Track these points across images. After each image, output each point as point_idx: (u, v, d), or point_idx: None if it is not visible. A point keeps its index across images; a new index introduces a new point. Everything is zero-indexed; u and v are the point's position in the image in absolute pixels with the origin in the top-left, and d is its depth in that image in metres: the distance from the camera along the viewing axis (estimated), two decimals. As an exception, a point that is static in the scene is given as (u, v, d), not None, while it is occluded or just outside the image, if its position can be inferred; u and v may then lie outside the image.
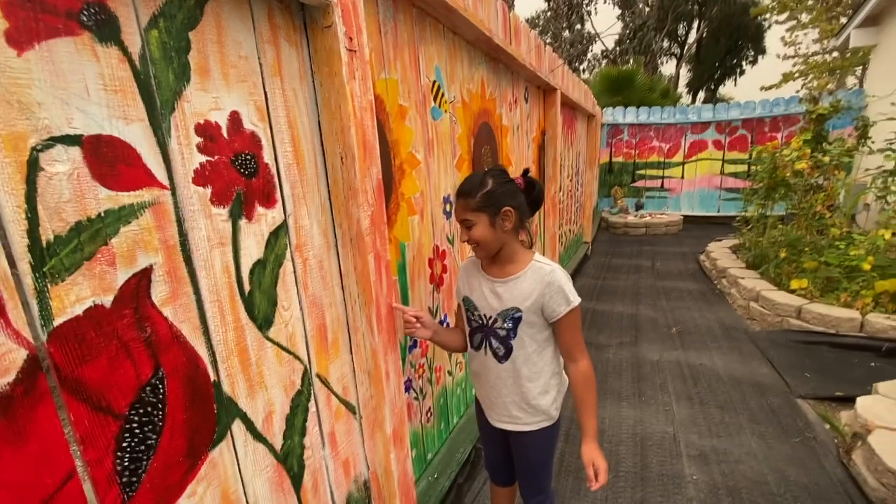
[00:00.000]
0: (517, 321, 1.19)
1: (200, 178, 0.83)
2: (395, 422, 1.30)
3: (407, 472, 1.39)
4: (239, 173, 0.90)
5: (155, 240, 0.76)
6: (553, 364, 1.25)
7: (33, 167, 0.60)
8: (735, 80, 21.65)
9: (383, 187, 1.27)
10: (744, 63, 21.04)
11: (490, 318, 1.23)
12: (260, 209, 0.95)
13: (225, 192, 0.87)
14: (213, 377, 0.87)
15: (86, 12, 0.65)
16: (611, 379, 2.91)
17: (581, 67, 22.79)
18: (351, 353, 1.25)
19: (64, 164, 0.63)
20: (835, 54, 10.20)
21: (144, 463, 0.76)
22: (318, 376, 1.14)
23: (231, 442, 0.91)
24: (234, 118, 0.89)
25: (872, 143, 4.40)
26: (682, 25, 21.20)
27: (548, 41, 16.20)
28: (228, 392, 0.90)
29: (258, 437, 0.97)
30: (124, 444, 0.73)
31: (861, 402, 2.19)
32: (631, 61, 17.98)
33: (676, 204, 8.60)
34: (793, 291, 3.75)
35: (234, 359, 0.91)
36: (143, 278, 0.74)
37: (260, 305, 0.96)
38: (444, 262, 1.82)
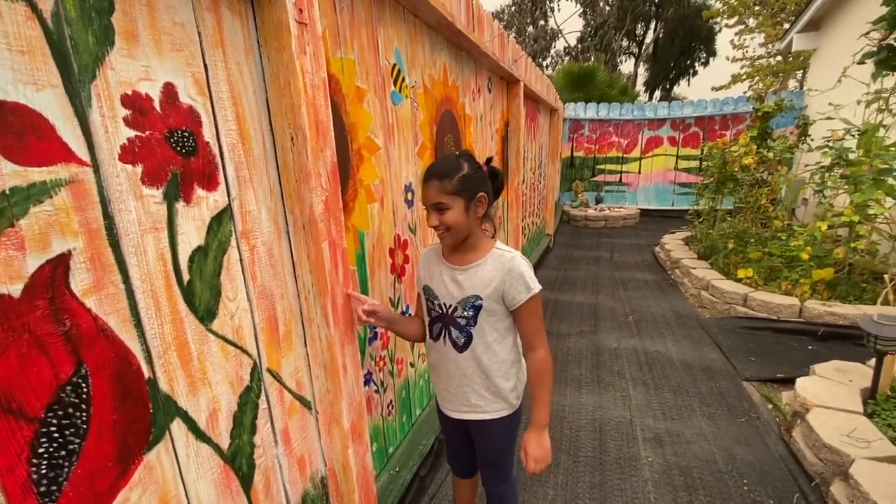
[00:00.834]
0: (477, 309, 1.17)
1: (129, 154, 0.75)
2: (354, 416, 1.26)
3: (366, 467, 1.35)
4: (175, 151, 0.82)
5: (74, 222, 0.68)
6: (513, 353, 1.24)
7: (-87, 133, 0.52)
8: (689, 80, 22.61)
9: (339, 172, 1.21)
10: (696, 64, 22.01)
11: (450, 306, 1.20)
12: (200, 191, 0.88)
13: (158, 172, 0.80)
14: (147, 374, 0.79)
15: (-20, -43, 0.57)
16: (571, 367, 2.97)
17: (545, 63, 23.13)
18: (305, 345, 1.19)
19: (-46, 132, 0.55)
20: (779, 58, 10.84)
21: (66, 470, 0.68)
22: (270, 371, 1.08)
23: (170, 443, 0.84)
24: (169, 90, 0.81)
25: (811, 140, 4.69)
26: (640, 25, 21.89)
27: (512, 35, 16.28)
28: (166, 390, 0.83)
29: (201, 436, 0.91)
30: (41, 451, 0.65)
31: (800, 382, 2.33)
32: (592, 59, 18.38)
33: (634, 198, 8.89)
34: (739, 280, 3.95)
35: (173, 353, 0.84)
36: (59, 265, 0.66)
37: (201, 296, 0.89)
38: (405, 251, 1.77)
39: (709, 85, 12.67)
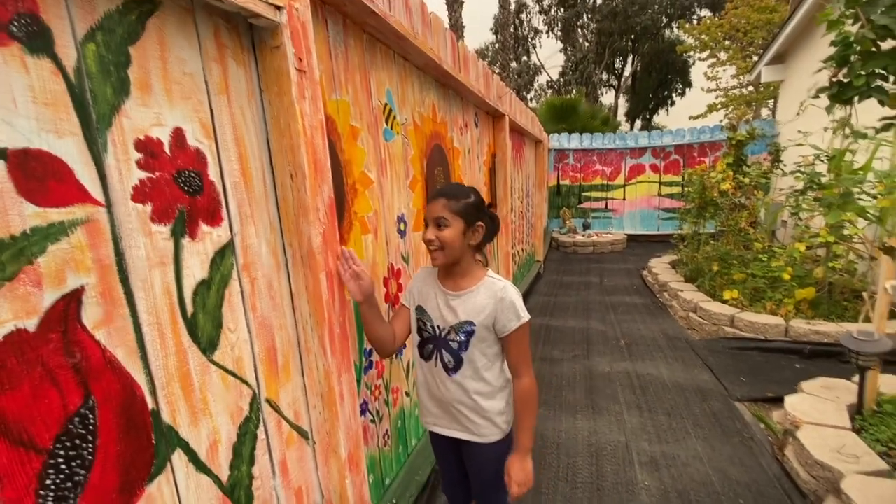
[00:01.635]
0: (470, 335, 1.21)
1: (140, 194, 0.80)
2: (351, 446, 1.27)
3: (363, 498, 1.34)
4: (182, 190, 0.88)
5: (88, 259, 0.72)
6: (501, 379, 1.28)
7: (-51, 181, 0.56)
8: (667, 109, 23.55)
9: (336, 206, 1.27)
10: (674, 95, 22.98)
11: (443, 329, 1.24)
12: (205, 227, 0.93)
13: (166, 210, 0.84)
14: (151, 405, 0.82)
15: (16, 23, 0.63)
16: (565, 392, 2.97)
17: (529, 96, 23.96)
18: (303, 375, 1.21)
19: (-15, 178, 0.59)
20: (750, 88, 11.39)
21: (72, 501, 0.70)
22: (268, 401, 1.10)
23: (171, 474, 0.85)
24: (178, 134, 0.87)
25: (784, 166, 4.91)
26: (618, 60, 22.93)
27: (496, 71, 16.92)
28: (168, 420, 0.85)
29: (202, 468, 0.92)
30: (48, 482, 0.67)
31: (789, 400, 2.37)
32: (574, 91, 19.12)
33: (620, 223, 9.08)
34: (726, 302, 4.04)
35: (176, 384, 0.86)
36: (72, 300, 0.70)
37: (204, 328, 0.92)
38: (398, 280, 1.82)
39: (686, 114, 13.24)
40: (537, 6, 22.72)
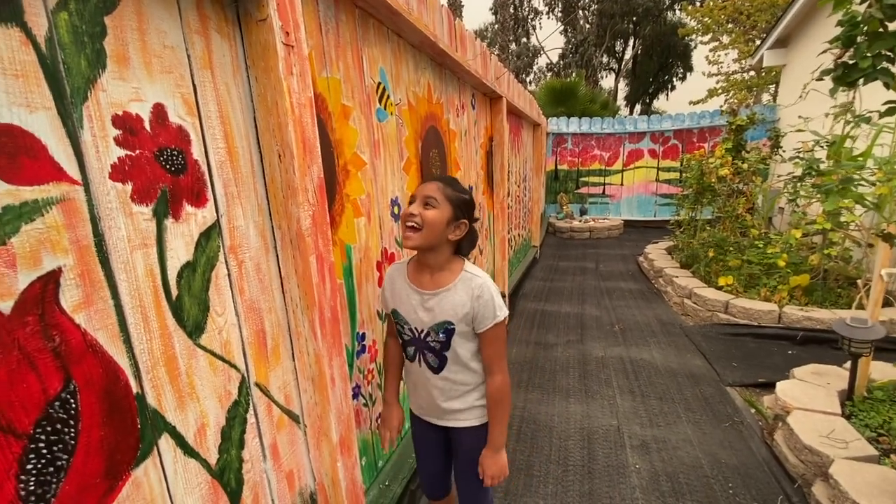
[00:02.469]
0: (450, 333, 1.20)
1: (119, 173, 0.77)
2: (342, 429, 1.26)
3: (355, 481, 1.35)
4: (164, 169, 0.85)
5: (64, 239, 0.69)
6: None
7: None
8: (667, 94, 23.33)
9: (326, 187, 1.24)
10: (674, 79, 22.73)
11: (422, 331, 1.22)
12: (189, 208, 0.90)
13: (148, 190, 0.82)
14: (135, 389, 0.80)
15: (-22, -13, 0.59)
16: (559, 376, 2.99)
17: (528, 79, 23.65)
18: (293, 359, 1.20)
19: (-51, 153, 0.56)
20: (752, 73, 11.26)
21: (54, 486, 0.69)
22: (258, 385, 1.09)
23: (158, 459, 0.84)
24: (159, 111, 0.83)
25: (783, 151, 4.88)
26: (619, 43, 22.59)
27: (496, 52, 16.66)
28: (154, 405, 0.83)
29: (190, 452, 0.91)
30: (29, 467, 0.65)
31: (780, 386, 2.39)
32: (574, 74, 18.87)
33: (617, 209, 9.06)
34: (720, 288, 4.05)
35: (161, 368, 0.85)
36: (49, 281, 0.68)
37: (189, 311, 0.90)
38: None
39: (687, 99, 13.10)
40: (538, -14, 22.26)
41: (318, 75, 1.30)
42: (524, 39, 23.24)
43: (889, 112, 1.95)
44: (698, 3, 17.18)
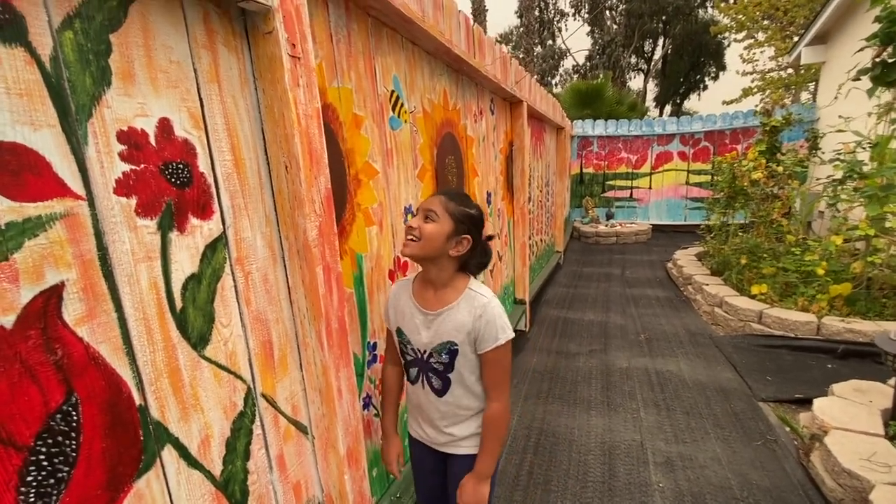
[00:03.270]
0: (453, 354, 1.15)
1: (123, 187, 0.78)
2: (350, 441, 1.25)
3: (363, 494, 1.33)
4: (169, 183, 0.85)
5: (68, 254, 0.70)
6: None
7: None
8: (699, 94, 22.64)
9: (336, 197, 1.23)
10: (706, 79, 22.05)
11: (425, 352, 1.18)
12: (194, 221, 0.90)
13: (152, 203, 0.82)
14: (138, 401, 0.81)
15: (-17, 10, 0.61)
16: (581, 387, 2.91)
17: (553, 81, 23.41)
18: (301, 370, 1.20)
19: (-49, 173, 0.58)
20: (790, 70, 10.79)
21: (55, 498, 0.69)
22: (264, 396, 1.09)
23: (161, 470, 0.85)
24: (164, 125, 0.84)
25: (822, 153, 4.63)
26: (647, 42, 22.09)
27: (520, 56, 16.58)
28: (157, 416, 0.84)
29: (193, 463, 0.91)
30: (29, 479, 0.66)
31: (817, 403, 2.25)
32: (601, 76, 18.59)
33: (645, 213, 8.82)
34: (754, 297, 3.86)
35: (164, 380, 0.85)
36: (52, 296, 0.69)
37: (194, 322, 0.90)
38: (405, 273, 1.78)
39: (719, 99, 12.66)
40: (564, -12, 22.03)
41: (329, 85, 1.31)
42: (550, 42, 23.03)
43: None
44: (732, 0, 16.63)
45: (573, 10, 22.24)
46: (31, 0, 0.66)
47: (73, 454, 0.72)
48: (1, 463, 0.63)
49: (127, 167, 0.78)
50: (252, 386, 1.05)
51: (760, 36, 11.78)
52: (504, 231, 3.48)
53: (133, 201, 0.79)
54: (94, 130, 0.74)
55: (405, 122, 1.77)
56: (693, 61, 21.04)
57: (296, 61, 1.02)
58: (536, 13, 17.17)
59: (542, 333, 3.86)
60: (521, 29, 21.38)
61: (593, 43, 22.27)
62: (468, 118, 2.53)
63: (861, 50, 1.95)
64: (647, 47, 22.39)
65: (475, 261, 1.19)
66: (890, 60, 1.70)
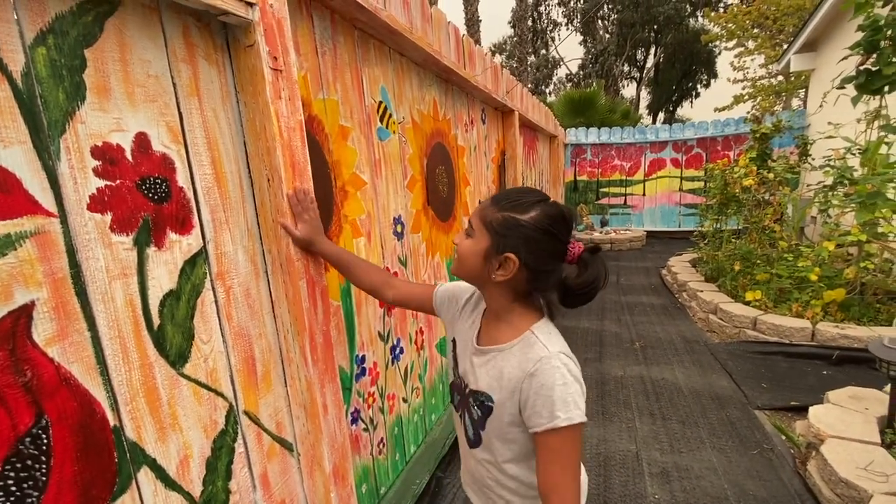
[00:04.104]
0: (486, 412, 0.84)
1: (98, 203, 0.76)
2: (336, 458, 1.23)
3: (351, 511, 1.30)
4: (146, 198, 0.84)
5: (38, 273, 0.69)
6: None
7: None
8: (691, 101, 22.88)
9: (322, 209, 1.22)
10: (699, 86, 22.30)
11: (466, 386, 0.91)
12: (173, 236, 0.89)
13: (128, 219, 0.81)
14: (113, 422, 0.79)
15: (-52, 27, 0.60)
16: (575, 397, 2.88)
17: (548, 90, 23.63)
18: (285, 385, 1.17)
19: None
20: (780, 78, 10.92)
21: (23, 525, 0.67)
22: (247, 413, 1.06)
23: (137, 492, 0.82)
24: (141, 140, 0.83)
25: (812, 159, 4.66)
26: (640, 51, 22.36)
27: (513, 65, 16.73)
28: (133, 437, 0.82)
29: (171, 485, 0.89)
30: (-5, 506, 0.64)
31: (813, 411, 2.23)
32: (594, 84, 18.77)
33: (639, 220, 8.84)
34: (748, 303, 3.86)
35: (141, 400, 0.83)
36: (21, 316, 0.67)
37: (172, 340, 0.89)
38: (395, 284, 1.77)
39: (712, 106, 12.78)
40: (556, -2, 22.34)
41: (314, 97, 1.30)
42: (543, 51, 23.28)
43: (924, 119, 1.83)
44: (722, 10, 16.85)
45: (566, 20, 22.53)
46: (3, 16, 0.65)
47: (44, 479, 0.69)
48: (-36, 490, 0.61)
49: (101, 183, 0.77)
50: (234, 403, 1.03)
51: (751, 44, 11.94)
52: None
53: (108, 217, 0.78)
54: (68, 146, 0.72)
55: (393, 132, 1.76)
56: (685, 69, 21.29)
57: (278, 74, 1.02)
58: (529, 23, 17.36)
59: (537, 342, 3.83)
60: (515, 38, 21.62)
61: (586, 52, 22.54)
62: (459, 128, 2.53)
63: (845, 58, 1.98)
64: (640, 56, 22.66)
65: (542, 292, 0.85)
66: (873, 69, 1.72)
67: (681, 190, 8.47)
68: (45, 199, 0.70)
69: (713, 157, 8.00)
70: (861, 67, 1.79)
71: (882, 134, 3.19)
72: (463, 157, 2.60)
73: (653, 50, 22.04)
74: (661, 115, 23.34)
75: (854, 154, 3.45)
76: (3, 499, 0.65)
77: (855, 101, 1.88)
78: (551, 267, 0.82)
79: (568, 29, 22.42)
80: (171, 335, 0.89)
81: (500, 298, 0.85)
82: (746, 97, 11.98)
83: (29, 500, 0.68)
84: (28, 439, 0.68)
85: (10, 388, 0.66)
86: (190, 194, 0.93)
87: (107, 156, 0.78)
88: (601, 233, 8.27)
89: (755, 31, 11.86)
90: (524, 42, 14.89)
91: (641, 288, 5.41)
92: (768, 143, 4.75)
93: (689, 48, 20.04)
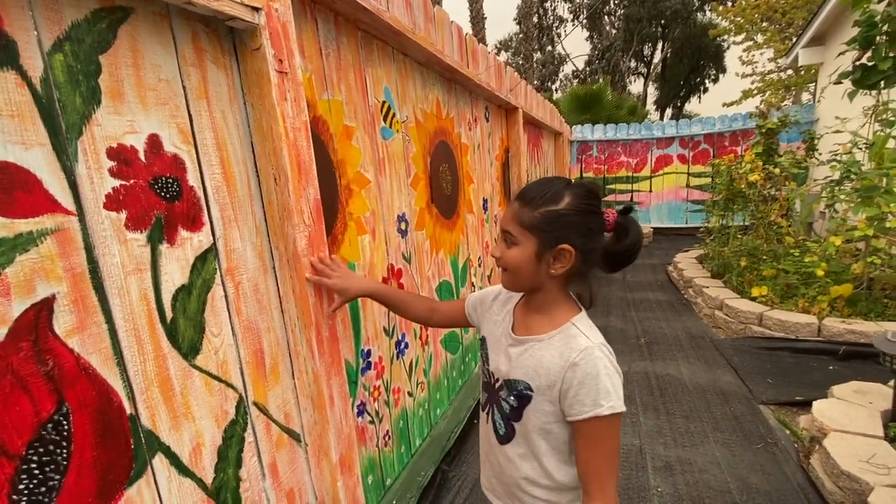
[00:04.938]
0: (524, 401, 0.85)
1: (113, 202, 0.80)
2: (342, 448, 1.27)
3: (357, 501, 1.34)
4: (159, 197, 0.88)
5: (58, 268, 0.73)
6: (570, 477, 0.87)
7: None
8: (699, 97, 22.66)
9: (328, 207, 1.26)
10: (707, 81, 22.08)
11: (497, 380, 0.92)
12: (184, 233, 0.93)
13: (142, 217, 0.85)
14: (129, 410, 0.83)
15: (-25, 37, 0.64)
16: (580, 393, 2.90)
17: (554, 87, 23.52)
18: (293, 377, 1.21)
19: (-56, 192, 0.60)
20: (790, 72, 10.80)
21: (46, 505, 0.71)
22: (256, 404, 1.10)
23: (152, 478, 0.86)
24: (153, 141, 0.87)
25: (820, 154, 4.62)
26: (647, 46, 22.17)
27: (520, 62, 16.68)
28: (148, 425, 0.86)
29: (184, 471, 0.93)
30: (21, 487, 0.68)
31: (817, 406, 2.23)
32: (600, 80, 18.65)
33: (646, 216, 8.80)
34: (754, 299, 3.85)
35: (155, 389, 0.87)
36: (43, 308, 0.71)
37: (184, 332, 0.92)
38: (399, 280, 1.80)
39: (720, 101, 12.68)
40: (562, -6, 22.22)
41: (319, 98, 1.33)
42: (549, 48, 23.17)
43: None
44: (730, 4, 16.67)
45: (572, 16, 22.40)
46: (22, 25, 0.69)
47: (65, 462, 0.73)
48: (-7, 471, 0.65)
49: (117, 182, 0.81)
50: (244, 394, 1.07)
51: (759, 38, 11.83)
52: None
53: (123, 215, 0.82)
54: (85, 148, 0.76)
55: (397, 131, 1.79)
56: (693, 64, 21.09)
57: (283, 76, 1.05)
58: (535, 19, 17.31)
59: (542, 338, 3.85)
60: (521, 35, 21.53)
61: (592, 48, 22.39)
62: (462, 126, 2.56)
63: (842, 53, 1.98)
64: (647, 51, 22.47)
65: (611, 255, 0.86)
66: (869, 64, 1.72)
67: (688, 186, 8.42)
68: (65, 199, 0.74)
69: (720, 152, 7.94)
70: (857, 63, 1.79)
71: (890, 130, 3.17)
72: (466, 155, 2.62)
73: (660, 45, 21.86)
74: (668, 111, 23.16)
75: (861, 149, 3.43)
76: (27, 481, 0.69)
77: (852, 95, 1.88)
78: (599, 242, 0.84)
79: (574, 25, 22.31)
80: (184, 328, 0.93)
81: (553, 290, 0.87)
82: (755, 92, 11.87)
83: (51, 483, 0.72)
84: (50, 425, 0.72)
85: (34, 377, 0.70)
86: (200, 193, 0.96)
87: (121, 157, 0.82)
88: (607, 229, 8.25)
89: (764, 24, 11.74)
90: (530, 39, 14.84)
91: (647, 284, 5.40)
92: (775, 138, 4.72)
93: (696, 43, 19.85)
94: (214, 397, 0.99)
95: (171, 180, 0.90)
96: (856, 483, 1.72)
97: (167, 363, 0.89)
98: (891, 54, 1.64)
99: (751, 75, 12.21)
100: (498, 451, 0.94)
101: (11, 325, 0.67)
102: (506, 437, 0.91)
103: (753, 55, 12.01)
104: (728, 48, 20.15)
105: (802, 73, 9.88)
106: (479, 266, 2.86)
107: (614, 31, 21.52)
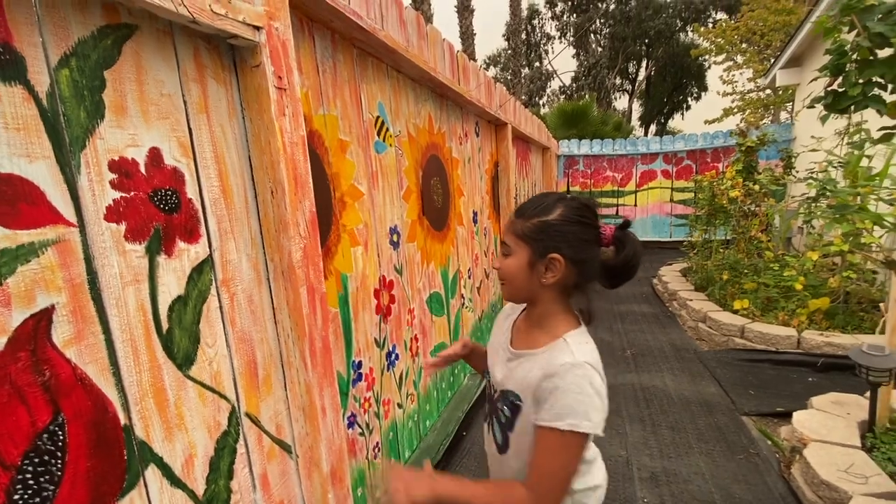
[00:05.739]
0: (515, 411, 0.88)
1: (114, 214, 0.82)
2: (333, 460, 1.27)
3: (348, 512, 1.34)
4: (158, 209, 0.89)
5: (58, 278, 0.73)
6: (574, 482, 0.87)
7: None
8: (682, 114, 23.28)
9: (321, 219, 1.28)
10: (689, 99, 22.72)
11: (495, 391, 0.95)
12: (181, 244, 0.94)
13: (141, 229, 0.86)
14: (123, 421, 0.83)
15: (-14, 53, 0.65)
16: (568, 404, 2.93)
17: (541, 102, 23.95)
18: (285, 389, 1.22)
19: (-49, 204, 0.61)
20: (768, 91, 11.19)
21: (39, 517, 0.71)
22: (248, 415, 1.11)
23: (144, 489, 0.86)
24: (154, 154, 0.89)
25: (797, 172, 4.79)
26: (632, 64, 22.77)
27: (509, 77, 16.99)
28: (142, 436, 0.86)
29: (176, 482, 0.93)
30: (15, 497, 0.68)
31: (797, 416, 2.29)
32: (586, 96, 19.07)
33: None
34: (736, 312, 3.94)
35: (150, 400, 0.87)
36: (42, 319, 0.72)
37: (180, 343, 0.93)
38: (391, 292, 1.82)
39: (703, 117, 13.06)
40: (549, 12, 22.77)
41: (315, 113, 1.36)
42: (537, 64, 23.65)
43: (885, 138, 1.93)
44: (711, 24, 17.25)
45: (559, 34, 22.93)
46: (30, 41, 0.71)
47: (59, 473, 0.73)
48: (-13, 482, 0.65)
49: (117, 194, 0.82)
50: (236, 405, 1.07)
51: (739, 59, 12.25)
52: (491, 248, 3.54)
53: (122, 227, 0.83)
54: (87, 161, 0.78)
55: (390, 146, 1.83)
56: (676, 82, 21.71)
57: (282, 92, 1.08)
58: (523, 36, 17.69)
59: (530, 350, 3.88)
60: (509, 51, 21.94)
61: (579, 65, 22.92)
62: (453, 141, 2.61)
63: (815, 80, 2.09)
64: (632, 69, 23.08)
65: (609, 269, 0.88)
66: (840, 90, 1.82)
67: (671, 201, 8.61)
68: (66, 210, 0.75)
69: (703, 168, 8.16)
70: (829, 89, 1.90)
71: (854, 149, 3.31)
72: (457, 169, 2.67)
73: (644, 63, 22.48)
74: (652, 127, 23.72)
75: (835, 167, 3.56)
76: (21, 491, 0.69)
77: (824, 119, 1.98)
78: (592, 254, 0.87)
79: (561, 42, 22.84)
80: (179, 339, 0.93)
81: (551, 303, 0.89)
82: (736, 110, 12.25)
83: (45, 493, 0.72)
84: (45, 435, 0.72)
85: (31, 387, 0.70)
86: (198, 205, 0.98)
87: (123, 169, 0.83)
88: (594, 242, 8.37)
89: (743, 45, 12.18)
90: (518, 55, 15.16)
91: (633, 297, 5.48)
92: (754, 155, 4.88)
93: (679, 62, 20.46)
94: (207, 408, 1.00)
95: (170, 193, 0.92)
96: (835, 492, 1.77)
97: (162, 374, 0.90)
98: (860, 81, 1.74)
99: (731, 94, 12.61)
100: (498, 461, 0.97)
101: (11, 334, 0.68)
102: (503, 447, 0.95)
103: (734, 75, 12.42)
104: (709, 67, 20.81)
105: (780, 92, 10.24)
106: (469, 278, 2.89)
107: (600, 49, 22.08)
